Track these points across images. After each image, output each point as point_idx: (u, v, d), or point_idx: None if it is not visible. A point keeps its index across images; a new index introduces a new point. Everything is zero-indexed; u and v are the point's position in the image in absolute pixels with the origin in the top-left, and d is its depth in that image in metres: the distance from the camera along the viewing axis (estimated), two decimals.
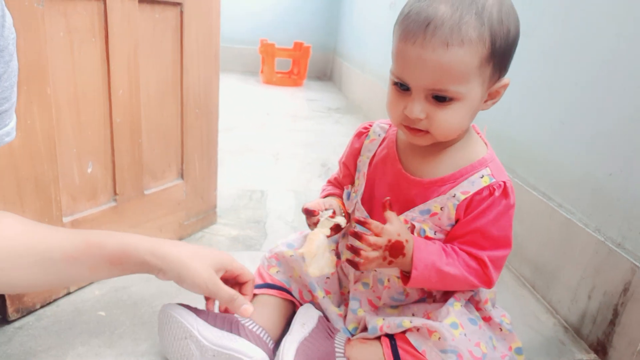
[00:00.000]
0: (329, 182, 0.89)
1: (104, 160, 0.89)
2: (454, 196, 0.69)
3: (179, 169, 1.07)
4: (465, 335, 0.69)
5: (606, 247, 0.85)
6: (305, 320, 0.75)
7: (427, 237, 0.72)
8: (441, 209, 0.71)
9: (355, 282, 0.79)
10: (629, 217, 0.82)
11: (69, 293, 0.87)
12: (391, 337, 0.72)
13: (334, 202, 0.81)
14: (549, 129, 1.04)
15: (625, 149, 0.84)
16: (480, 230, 0.69)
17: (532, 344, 0.86)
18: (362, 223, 0.68)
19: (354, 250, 0.67)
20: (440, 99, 0.63)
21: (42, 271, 0.63)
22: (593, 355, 0.85)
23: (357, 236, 0.67)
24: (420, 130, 0.67)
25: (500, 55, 0.63)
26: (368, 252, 0.67)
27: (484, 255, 0.69)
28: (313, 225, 0.77)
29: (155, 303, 0.87)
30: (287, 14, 3.54)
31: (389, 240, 0.67)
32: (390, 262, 0.68)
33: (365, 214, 0.77)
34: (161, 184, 1.03)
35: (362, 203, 0.78)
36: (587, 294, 0.88)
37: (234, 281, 0.76)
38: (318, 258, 0.74)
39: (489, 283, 0.71)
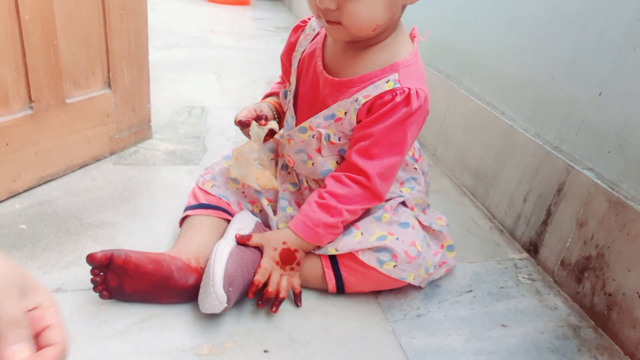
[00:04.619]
0: (281, 77, 0.86)
1: (14, 62, 0.79)
2: (356, 100, 0.67)
3: (106, 77, 0.98)
4: (397, 239, 0.69)
5: (544, 150, 0.85)
6: (242, 225, 0.73)
7: (332, 143, 0.70)
8: (345, 113, 0.68)
9: (283, 182, 0.79)
10: (567, 119, 0.82)
11: None
12: None
13: (265, 106, 0.78)
14: (495, 36, 1.01)
15: (568, 51, 0.82)
16: (373, 135, 0.66)
17: (469, 247, 0.88)
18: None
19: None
20: None
21: None
22: (525, 255, 0.88)
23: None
24: (334, 22, 0.62)
25: None
26: (257, 278, 0.67)
27: (370, 168, 0.67)
28: (249, 135, 0.74)
29: (83, 216, 0.82)
30: None
31: (276, 262, 0.68)
32: (298, 263, 0.70)
33: (292, 114, 0.75)
34: (85, 93, 0.94)
35: (293, 104, 0.75)
36: (523, 197, 0.90)
37: None
38: (241, 165, 0.74)
39: (378, 197, 0.70)
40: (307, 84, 0.73)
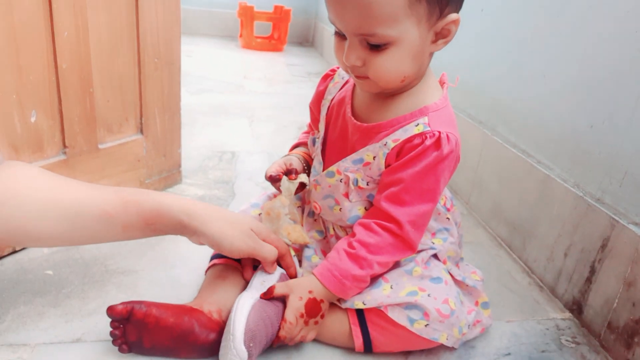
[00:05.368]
0: (308, 126, 0.86)
1: (50, 109, 0.82)
2: (385, 144, 0.65)
3: (138, 123, 1.00)
4: (429, 296, 0.65)
5: (585, 202, 0.81)
6: (266, 277, 0.70)
7: (360, 188, 0.69)
8: (374, 158, 0.66)
9: (309, 230, 0.76)
10: (610, 170, 0.78)
11: (14, 252, 0.81)
12: None
13: (294, 159, 0.78)
14: (530, 83, 0.99)
15: (607, 98, 0.79)
16: (404, 180, 0.64)
17: (506, 304, 0.83)
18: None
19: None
20: (374, 44, 0.58)
21: (71, 226, 0.59)
22: (568, 314, 0.82)
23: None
24: (362, 77, 0.62)
25: None
26: (283, 333, 0.64)
27: (401, 215, 0.64)
28: (279, 190, 0.75)
29: (109, 262, 0.81)
30: None
31: (301, 315, 0.64)
32: (322, 316, 0.66)
33: (320, 160, 0.73)
34: (118, 139, 0.96)
35: (321, 151, 0.74)
36: (564, 251, 0.85)
37: None
38: (273, 219, 0.73)
39: (410, 247, 0.66)
40: (336, 131, 0.72)
